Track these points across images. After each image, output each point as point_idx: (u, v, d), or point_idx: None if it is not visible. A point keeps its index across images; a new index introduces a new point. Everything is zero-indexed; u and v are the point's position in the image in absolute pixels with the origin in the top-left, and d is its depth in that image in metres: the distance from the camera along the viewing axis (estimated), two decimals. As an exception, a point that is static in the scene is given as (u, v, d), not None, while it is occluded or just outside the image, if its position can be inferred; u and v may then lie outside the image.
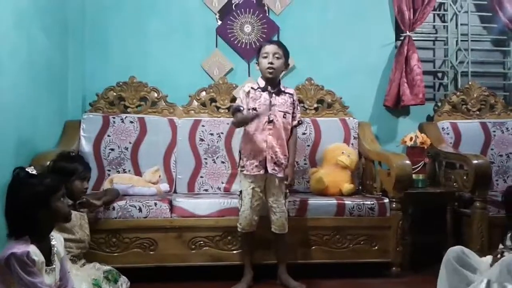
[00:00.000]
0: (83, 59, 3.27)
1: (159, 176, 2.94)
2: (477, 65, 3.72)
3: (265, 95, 2.52)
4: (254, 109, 2.48)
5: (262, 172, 2.47)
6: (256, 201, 2.48)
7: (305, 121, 3.18)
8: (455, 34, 3.68)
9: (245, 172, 2.50)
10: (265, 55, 2.51)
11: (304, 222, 2.68)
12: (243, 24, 3.42)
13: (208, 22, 3.39)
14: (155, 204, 2.61)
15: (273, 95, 2.53)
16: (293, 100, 2.60)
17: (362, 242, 2.72)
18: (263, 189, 2.51)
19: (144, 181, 2.90)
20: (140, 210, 2.58)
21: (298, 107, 2.66)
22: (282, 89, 2.58)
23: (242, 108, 2.49)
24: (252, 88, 2.54)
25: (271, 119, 2.49)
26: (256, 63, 2.60)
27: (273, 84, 2.54)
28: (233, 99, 3.29)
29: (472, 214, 2.80)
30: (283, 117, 2.53)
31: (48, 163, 2.40)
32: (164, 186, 2.94)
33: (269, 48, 2.52)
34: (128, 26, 3.31)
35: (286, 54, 2.56)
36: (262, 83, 2.55)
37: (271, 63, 2.49)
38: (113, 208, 2.55)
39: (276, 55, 2.51)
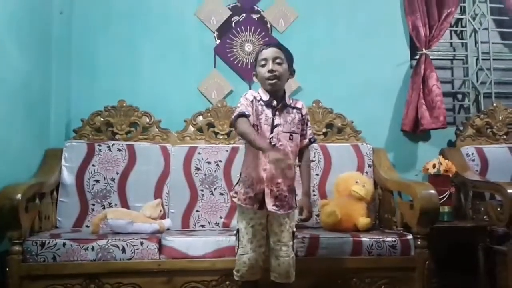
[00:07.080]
0: (68, 81, 3.06)
1: (161, 211, 2.69)
2: (500, 85, 3.49)
3: (267, 111, 2.06)
4: (256, 126, 2.03)
5: (255, 206, 2.02)
6: (258, 241, 2.05)
7: (313, 148, 2.87)
8: (475, 52, 3.46)
9: (236, 201, 2.08)
10: (263, 62, 2.07)
11: (315, 264, 2.35)
12: (244, 42, 3.19)
13: (206, 41, 3.19)
14: (141, 243, 2.28)
15: (277, 112, 2.07)
16: (302, 116, 2.15)
17: (383, 286, 2.40)
18: (265, 226, 2.07)
19: (144, 216, 2.61)
20: (123, 250, 2.25)
21: (309, 123, 2.20)
22: (288, 103, 2.12)
23: (248, 114, 2.00)
24: (254, 97, 2.08)
25: (273, 143, 2.03)
26: (254, 74, 2.16)
27: (277, 97, 2.09)
28: (233, 124, 3.01)
29: (508, 251, 2.50)
30: (289, 138, 2.07)
31: (18, 196, 2.10)
32: (167, 222, 2.67)
33: (267, 53, 2.07)
34: (118, 44, 3.13)
35: (289, 57, 2.12)
36: (265, 96, 2.08)
37: (272, 70, 2.04)
38: (92, 249, 2.22)
39: (277, 60, 2.06)
